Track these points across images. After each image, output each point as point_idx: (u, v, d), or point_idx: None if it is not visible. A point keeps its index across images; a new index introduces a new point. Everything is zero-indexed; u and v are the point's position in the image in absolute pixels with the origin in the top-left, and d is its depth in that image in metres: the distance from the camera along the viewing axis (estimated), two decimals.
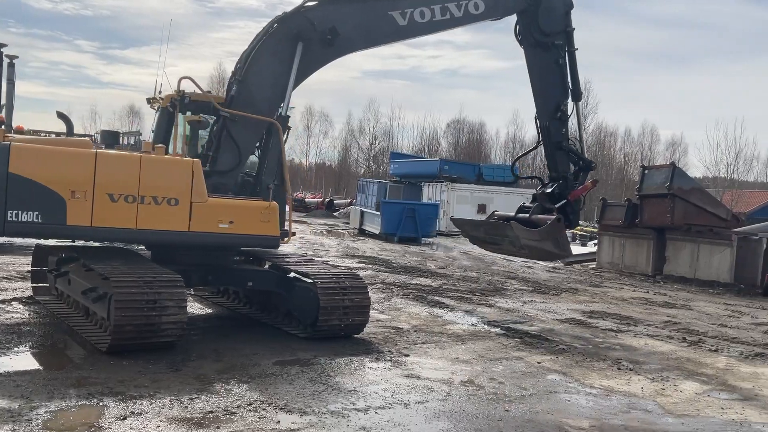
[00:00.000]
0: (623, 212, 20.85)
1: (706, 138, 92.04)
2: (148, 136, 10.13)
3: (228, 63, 75.75)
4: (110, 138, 9.14)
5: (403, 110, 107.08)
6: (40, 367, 6.74)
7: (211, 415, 5.57)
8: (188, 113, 9.09)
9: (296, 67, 8.71)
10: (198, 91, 9.05)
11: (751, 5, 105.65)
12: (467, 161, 54.21)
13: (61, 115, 10.69)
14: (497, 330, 10.22)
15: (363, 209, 34.07)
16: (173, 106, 8.99)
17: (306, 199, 48.64)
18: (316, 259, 12.83)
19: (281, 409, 5.83)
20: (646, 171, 20.89)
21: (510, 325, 10.62)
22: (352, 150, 77.33)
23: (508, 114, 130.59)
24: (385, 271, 16.90)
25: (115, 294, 7.05)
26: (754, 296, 16.72)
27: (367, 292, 8.95)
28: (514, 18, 11.12)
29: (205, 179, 7.93)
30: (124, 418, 5.35)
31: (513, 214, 11.67)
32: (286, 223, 8.72)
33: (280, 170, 8.82)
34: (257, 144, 9.00)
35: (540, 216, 10.99)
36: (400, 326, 9.94)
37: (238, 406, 5.82)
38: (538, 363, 8.24)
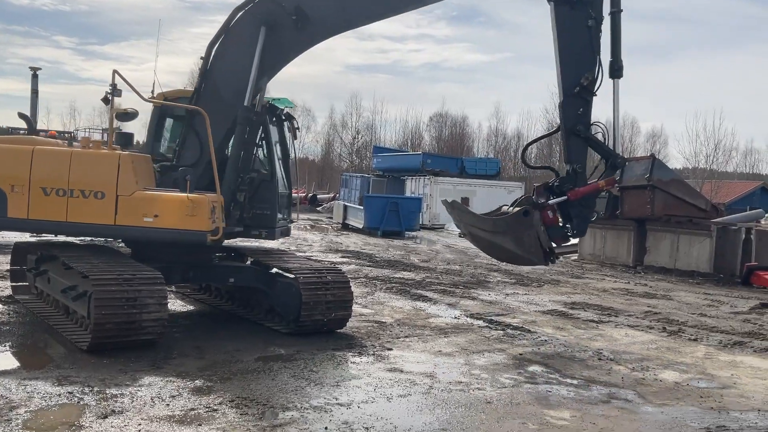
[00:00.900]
0: (604, 204, 20.99)
1: (686, 129, 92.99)
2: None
3: None
4: (123, 139, 8.96)
5: (385, 104, 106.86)
6: (20, 367, 6.69)
7: (192, 413, 5.55)
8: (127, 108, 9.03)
9: (259, 54, 8.23)
10: (166, 88, 8.98)
11: None
12: (450, 155, 54.30)
13: (22, 116, 10.68)
14: (480, 323, 10.27)
15: (346, 204, 34.05)
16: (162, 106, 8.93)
17: None
18: (299, 254, 12.81)
19: (263, 404, 5.83)
20: (626, 163, 20.99)
21: (492, 318, 10.67)
22: (335, 144, 77.22)
23: (491, 107, 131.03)
24: (369, 266, 16.91)
25: (94, 292, 7.00)
26: (733, 286, 16.93)
27: (350, 286, 8.96)
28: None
29: (170, 173, 7.91)
30: (105, 417, 5.32)
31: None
32: (280, 219, 8.82)
33: (231, 163, 8.44)
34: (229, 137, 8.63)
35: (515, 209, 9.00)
36: (383, 320, 9.95)
37: (220, 403, 5.81)
38: (520, 355, 8.29)
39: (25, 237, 12.94)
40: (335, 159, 77.35)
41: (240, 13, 8.47)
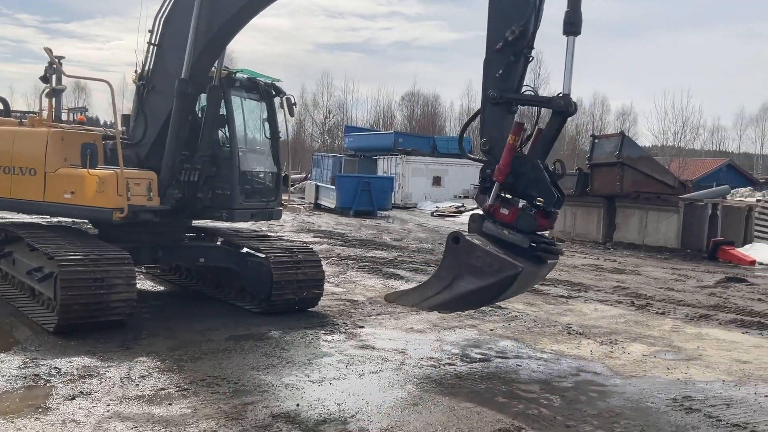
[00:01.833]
0: (574, 181, 21.19)
1: (655, 107, 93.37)
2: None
3: None
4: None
5: (357, 83, 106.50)
6: None
7: (163, 392, 5.50)
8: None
9: (195, 20, 7.67)
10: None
11: None
12: (422, 134, 54.26)
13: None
14: None
15: (318, 184, 33.90)
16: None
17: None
18: (270, 234, 12.73)
19: (234, 383, 5.80)
20: (596, 140, 21.26)
21: None
22: (307, 124, 76.68)
23: (463, 86, 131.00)
24: (341, 245, 16.89)
25: (60, 273, 6.87)
26: (699, 260, 17.24)
27: (321, 265, 8.93)
28: None
29: (124, 151, 7.72)
30: (73, 398, 5.26)
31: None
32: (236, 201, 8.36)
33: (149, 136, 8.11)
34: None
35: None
36: (355, 299, 9.95)
37: (190, 382, 5.76)
38: (491, 330, 8.36)
39: None
40: (307, 139, 76.87)
41: None
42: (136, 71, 8.51)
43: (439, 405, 5.56)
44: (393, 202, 32.19)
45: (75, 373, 5.84)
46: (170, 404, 5.25)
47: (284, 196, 9.61)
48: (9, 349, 6.55)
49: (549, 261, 6.71)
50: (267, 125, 9.13)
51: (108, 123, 10.40)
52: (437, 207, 33.75)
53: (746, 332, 8.99)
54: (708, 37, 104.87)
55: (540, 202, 6.22)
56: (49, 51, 8.07)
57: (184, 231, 9.19)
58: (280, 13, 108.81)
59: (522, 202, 6.43)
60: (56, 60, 8.36)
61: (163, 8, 8.07)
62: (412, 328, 8.32)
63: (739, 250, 17.39)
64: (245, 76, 8.79)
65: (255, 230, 10.63)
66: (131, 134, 8.40)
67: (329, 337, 7.62)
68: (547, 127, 6.36)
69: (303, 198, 35.47)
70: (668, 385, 6.46)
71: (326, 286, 9.50)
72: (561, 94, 6.23)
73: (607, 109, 72.38)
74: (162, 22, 8.09)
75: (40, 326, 7.26)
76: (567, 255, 17.45)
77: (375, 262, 14.00)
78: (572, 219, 21.78)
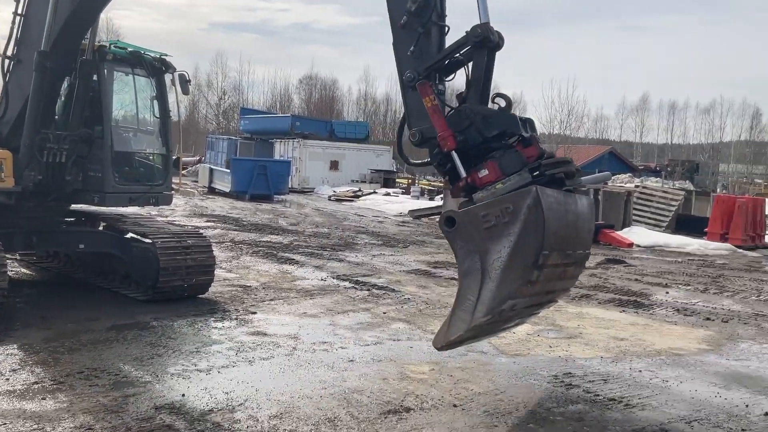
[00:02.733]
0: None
1: (542, 97, 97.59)
2: None
3: None
4: None
5: (253, 64, 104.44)
6: None
7: (36, 386, 5.18)
8: None
9: None
10: None
11: None
12: (320, 118, 53.94)
13: None
14: (346, 284, 10.32)
15: (212, 167, 33.04)
16: None
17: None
18: (159, 219, 12.25)
19: (115, 375, 5.54)
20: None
21: (359, 279, 10.77)
22: (201, 105, 74.40)
23: (360, 71, 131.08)
24: (235, 230, 16.53)
25: None
26: None
27: (212, 250, 8.68)
28: None
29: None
30: None
31: None
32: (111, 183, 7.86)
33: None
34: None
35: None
36: (248, 284, 9.77)
37: (67, 375, 5.45)
38: (384, 313, 8.43)
39: None
40: (201, 120, 74.62)
41: None
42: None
43: (330, 389, 5.54)
44: (290, 186, 31.88)
45: None
46: (44, 399, 4.94)
47: (175, 180, 9.23)
48: None
49: (578, 189, 5.23)
50: (156, 104, 8.68)
51: None
52: (335, 191, 33.70)
53: (623, 311, 9.52)
54: (595, 31, 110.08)
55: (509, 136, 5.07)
56: None
57: (61, 215, 8.67)
58: None
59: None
60: None
61: None
62: (305, 312, 8.25)
63: (619, 233, 18.41)
64: (127, 49, 8.32)
65: (142, 215, 10.19)
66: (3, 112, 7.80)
67: (219, 324, 7.43)
68: (473, 69, 5.24)
69: (196, 182, 34.43)
70: (550, 362, 6.74)
71: (218, 271, 9.25)
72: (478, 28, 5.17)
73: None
74: None
75: None
76: None
77: (270, 246, 13.79)
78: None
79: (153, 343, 6.52)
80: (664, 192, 23.12)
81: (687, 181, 36.10)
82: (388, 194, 33.46)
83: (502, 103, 5.13)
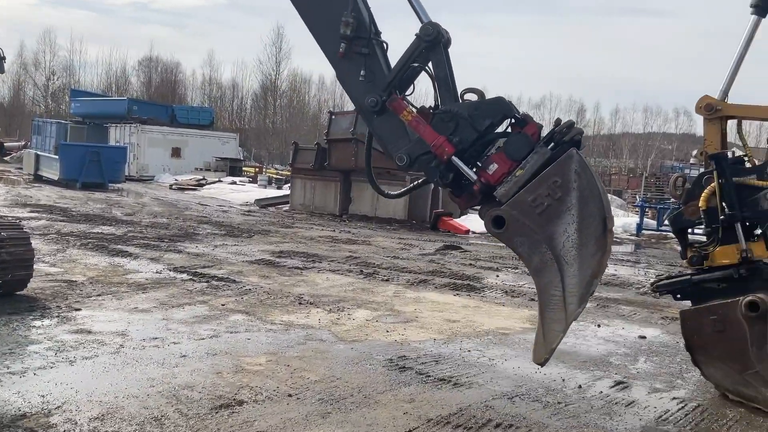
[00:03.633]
0: (313, 156, 21.71)
1: None
2: None
3: None
4: None
5: (85, 44, 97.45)
6: None
7: None
8: None
9: None
10: None
11: None
12: (160, 102, 51.53)
13: None
14: (183, 276, 9.95)
15: (39, 153, 30.64)
16: None
17: None
18: None
19: None
20: (333, 117, 21.99)
21: (198, 270, 10.42)
22: (27, 86, 68.47)
23: (204, 54, 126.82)
24: (63, 221, 15.41)
25: None
26: (423, 231, 18.77)
27: (30, 243, 8.00)
28: None
29: None
30: None
31: None
32: None
33: None
34: None
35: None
36: (74, 279, 9.12)
37: None
38: (223, 305, 8.22)
39: None
40: (27, 103, 68.72)
41: None
42: None
43: (159, 386, 5.30)
44: (127, 174, 30.26)
45: None
46: None
47: None
48: None
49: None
50: None
51: None
52: (176, 180, 32.43)
53: (457, 294, 9.96)
54: (453, 21, 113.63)
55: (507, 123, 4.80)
56: None
57: None
58: None
59: (495, 146, 4.88)
60: None
61: None
62: (136, 308, 7.85)
63: (456, 220, 19.26)
64: None
65: None
66: None
67: (38, 323, 6.87)
68: (436, 70, 4.92)
69: (21, 169, 31.71)
70: (386, 346, 6.90)
71: (39, 266, 8.59)
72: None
73: None
74: None
75: None
76: (305, 227, 17.87)
77: (101, 238, 12.99)
78: (311, 192, 22.34)
79: None
80: None
81: None
82: (234, 183, 32.74)
83: (475, 98, 4.86)
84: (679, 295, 5.85)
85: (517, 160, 4.50)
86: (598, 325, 8.44)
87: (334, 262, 12.11)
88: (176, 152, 36.75)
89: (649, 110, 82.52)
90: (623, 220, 25.90)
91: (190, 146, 37.30)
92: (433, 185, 18.56)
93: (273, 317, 7.78)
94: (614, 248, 18.56)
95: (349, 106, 69.90)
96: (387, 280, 10.65)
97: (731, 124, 6.47)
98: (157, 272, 10.09)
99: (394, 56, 5.06)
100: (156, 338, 6.64)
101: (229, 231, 15.92)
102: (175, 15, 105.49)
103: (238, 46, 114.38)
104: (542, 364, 4.43)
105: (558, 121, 4.60)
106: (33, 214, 16.14)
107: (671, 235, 13.66)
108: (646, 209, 24.70)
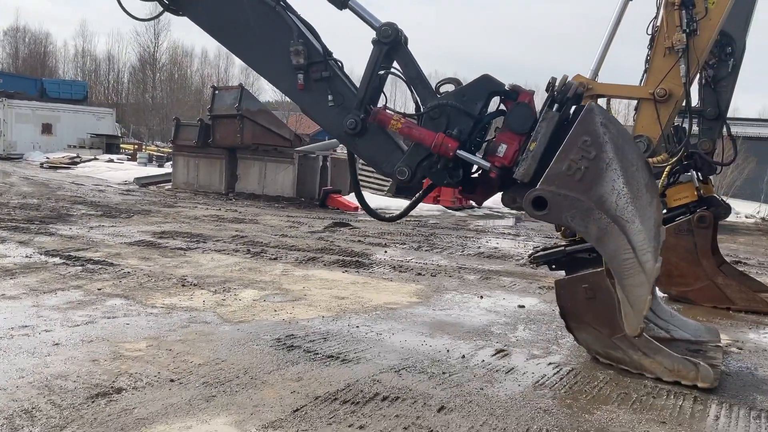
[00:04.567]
0: (196, 132, 21.02)
1: None
2: None
3: None
4: None
5: None
6: None
7: None
8: None
9: None
10: None
11: None
12: (28, 75, 48.10)
13: None
14: (56, 260, 9.39)
15: None
16: None
17: None
18: None
19: None
20: (217, 92, 21.33)
21: (71, 253, 9.86)
22: None
23: (77, 25, 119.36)
24: None
25: None
26: (312, 208, 18.67)
27: None
28: None
29: None
30: None
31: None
32: None
33: None
34: None
35: None
36: None
37: None
38: (99, 290, 7.82)
39: None
40: None
41: None
42: None
43: (30, 377, 4.98)
44: None
45: None
46: None
47: None
48: None
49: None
50: None
51: None
52: (48, 158, 30.47)
53: (346, 271, 10.00)
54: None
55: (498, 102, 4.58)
56: None
57: None
58: None
59: (490, 134, 4.68)
60: None
61: None
62: (3, 294, 7.33)
63: (345, 197, 19.29)
64: None
65: None
66: None
67: None
68: (405, 69, 4.69)
69: None
70: (274, 326, 6.83)
71: None
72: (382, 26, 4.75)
73: (231, 62, 73.25)
74: None
75: None
76: (189, 206, 17.33)
77: None
78: (195, 170, 21.66)
79: None
80: None
81: None
82: (111, 161, 31.22)
83: (452, 87, 4.63)
84: (554, 266, 6.14)
85: (525, 132, 4.23)
86: (481, 297, 8.74)
87: (220, 242, 11.82)
88: (47, 128, 34.48)
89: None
90: None
91: (62, 122, 35.10)
92: (321, 162, 18.30)
93: (154, 300, 7.49)
94: (496, 222, 19.32)
95: (234, 81, 68.23)
96: (275, 259, 10.52)
97: (601, 103, 6.84)
98: (26, 256, 9.46)
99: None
100: (26, 326, 6.23)
101: (106, 212, 15.16)
102: None
103: (113, 17, 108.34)
104: (640, 335, 4.07)
105: (551, 82, 4.30)
106: None
107: None
108: None
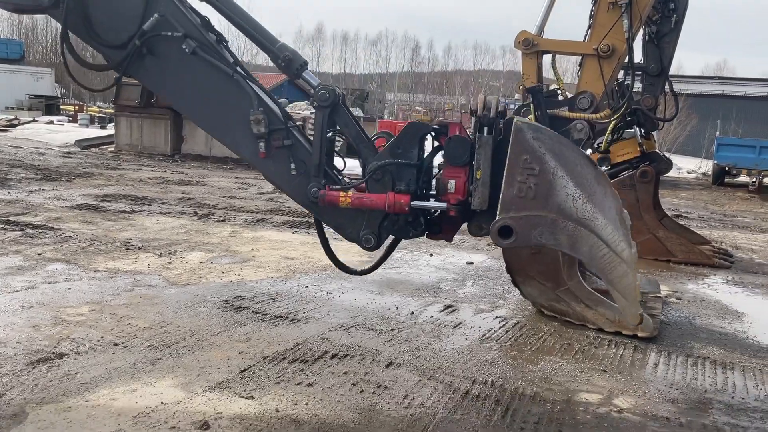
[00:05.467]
0: (139, 92, 20.38)
1: (218, 21, 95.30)
2: None
3: None
4: None
5: None
6: None
7: None
8: None
9: None
10: None
11: None
12: None
13: None
14: None
15: None
16: None
17: None
18: None
19: None
20: None
21: (9, 218, 9.51)
22: None
23: None
24: None
25: None
26: None
27: None
28: None
29: None
30: None
31: None
32: None
33: None
34: None
35: None
36: None
37: None
38: (39, 255, 7.59)
39: None
40: None
41: None
42: None
43: None
44: None
45: None
46: None
47: None
48: None
49: None
50: None
51: None
52: None
53: (296, 231, 9.93)
54: None
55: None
56: None
57: None
58: None
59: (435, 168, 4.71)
60: None
61: None
62: None
63: None
64: None
65: None
66: None
67: None
68: (345, 129, 4.64)
69: None
70: (222, 288, 6.75)
71: None
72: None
73: None
74: None
75: None
76: (133, 168, 16.91)
77: None
78: (139, 131, 21.06)
79: None
80: None
81: (357, 109, 38.73)
82: (51, 122, 30.17)
83: (384, 140, 4.65)
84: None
85: (466, 163, 4.32)
86: (431, 255, 8.81)
87: (166, 204, 11.58)
88: None
89: (478, 48, 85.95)
90: None
91: None
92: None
93: (97, 265, 7.32)
94: None
95: None
96: (223, 221, 10.37)
97: (547, 59, 6.85)
98: None
99: None
100: None
101: (46, 175, 14.66)
102: None
103: None
104: (641, 321, 4.09)
105: (472, 108, 4.39)
106: None
107: None
108: None
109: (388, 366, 4.97)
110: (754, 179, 20.71)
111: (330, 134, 4.62)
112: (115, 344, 5.02)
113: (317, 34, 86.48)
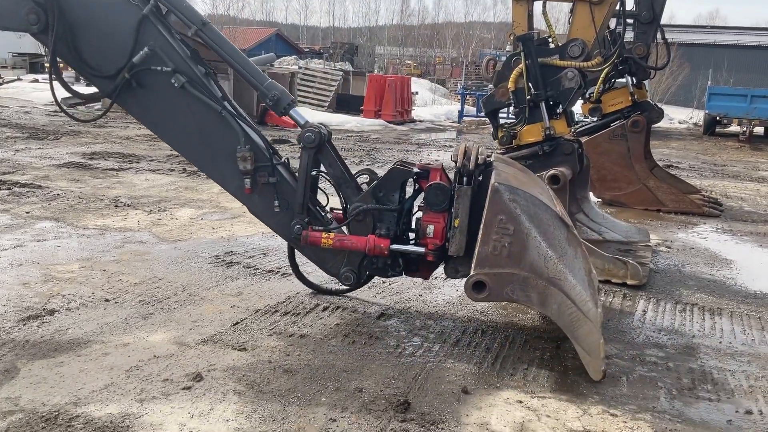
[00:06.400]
0: None
1: None
2: None
3: None
4: None
5: None
6: None
7: None
8: None
9: None
10: None
11: None
12: None
13: None
14: None
15: None
16: None
17: None
18: None
19: None
20: None
21: None
22: None
23: None
24: None
25: None
26: None
27: None
28: None
29: None
30: None
31: None
32: None
33: None
34: None
35: None
36: None
37: None
38: (27, 213, 7.53)
39: None
40: None
41: None
42: None
43: None
44: None
45: None
46: None
47: None
48: None
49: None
50: None
51: None
52: None
53: None
54: None
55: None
56: None
57: None
58: None
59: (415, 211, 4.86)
60: None
61: None
62: None
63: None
64: None
65: None
66: None
67: None
68: (329, 169, 4.80)
69: None
70: (212, 243, 6.74)
71: None
72: None
73: None
74: None
75: None
76: (121, 126, 16.73)
77: None
78: None
79: None
80: (325, 73, 24.16)
81: (347, 63, 38.21)
82: (36, 81, 29.65)
83: (367, 178, 4.78)
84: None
85: (445, 210, 4.42)
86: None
87: (154, 162, 11.48)
88: None
89: None
90: (446, 108, 26.89)
91: None
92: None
93: (86, 222, 7.27)
94: (438, 135, 19.34)
95: None
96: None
97: (538, 8, 6.73)
98: None
99: None
100: None
101: (32, 133, 14.48)
102: None
103: None
104: (605, 376, 4.11)
105: (454, 160, 4.47)
106: None
107: None
108: (467, 97, 25.73)
109: (379, 317, 5.00)
110: (744, 129, 20.69)
111: (314, 173, 4.75)
112: (107, 300, 5.02)
113: None
